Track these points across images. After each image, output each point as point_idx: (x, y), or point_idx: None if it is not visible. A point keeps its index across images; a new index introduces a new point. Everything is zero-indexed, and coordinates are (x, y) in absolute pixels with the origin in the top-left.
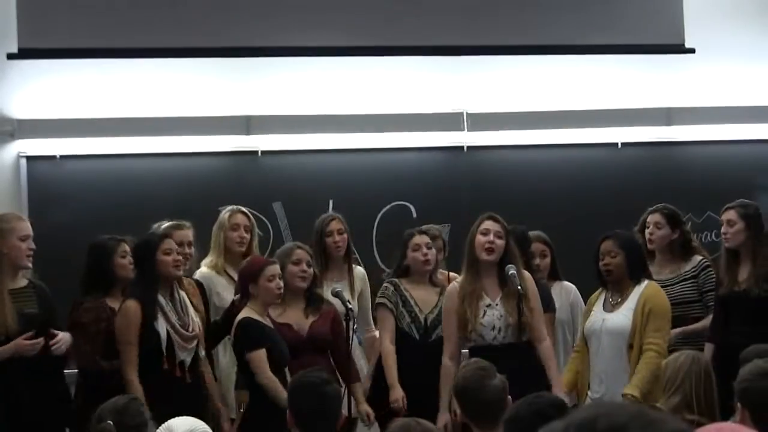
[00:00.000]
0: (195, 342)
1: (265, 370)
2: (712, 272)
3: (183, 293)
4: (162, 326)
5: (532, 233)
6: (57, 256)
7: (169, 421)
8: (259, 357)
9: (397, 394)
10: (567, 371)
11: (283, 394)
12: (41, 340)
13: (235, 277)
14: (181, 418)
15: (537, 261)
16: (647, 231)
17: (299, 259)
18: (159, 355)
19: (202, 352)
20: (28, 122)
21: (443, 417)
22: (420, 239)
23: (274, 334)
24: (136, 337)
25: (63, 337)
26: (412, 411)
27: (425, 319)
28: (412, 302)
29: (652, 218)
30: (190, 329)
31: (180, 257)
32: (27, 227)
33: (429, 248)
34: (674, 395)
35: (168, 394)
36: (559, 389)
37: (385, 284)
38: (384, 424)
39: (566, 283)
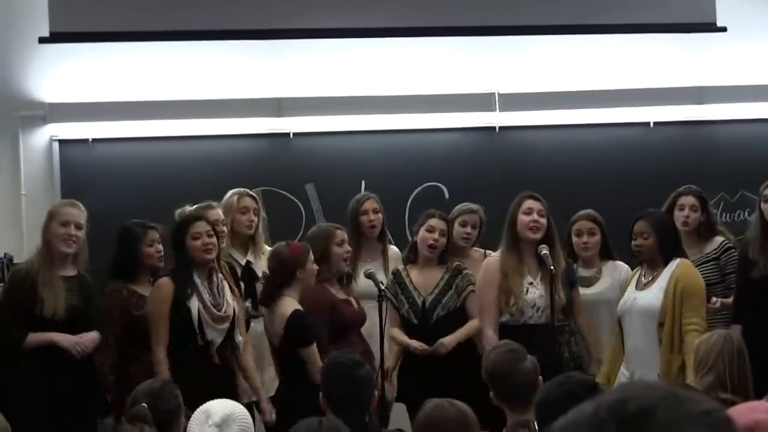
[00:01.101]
0: (226, 324)
1: (319, 364)
2: (734, 254)
3: (221, 277)
4: (194, 303)
5: (581, 212)
6: (88, 237)
7: (207, 403)
8: (315, 352)
9: (414, 344)
10: (605, 362)
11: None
12: (87, 343)
13: (242, 261)
14: (219, 401)
15: (585, 238)
16: (682, 213)
17: (342, 240)
18: (191, 332)
19: (239, 338)
20: (60, 106)
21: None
22: (436, 222)
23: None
24: (166, 312)
25: (88, 341)
26: (422, 395)
27: (423, 302)
28: (411, 287)
29: (687, 200)
30: (223, 310)
31: (210, 240)
32: (68, 212)
33: (442, 236)
34: (707, 374)
35: (194, 370)
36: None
37: (383, 278)
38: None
39: (619, 262)
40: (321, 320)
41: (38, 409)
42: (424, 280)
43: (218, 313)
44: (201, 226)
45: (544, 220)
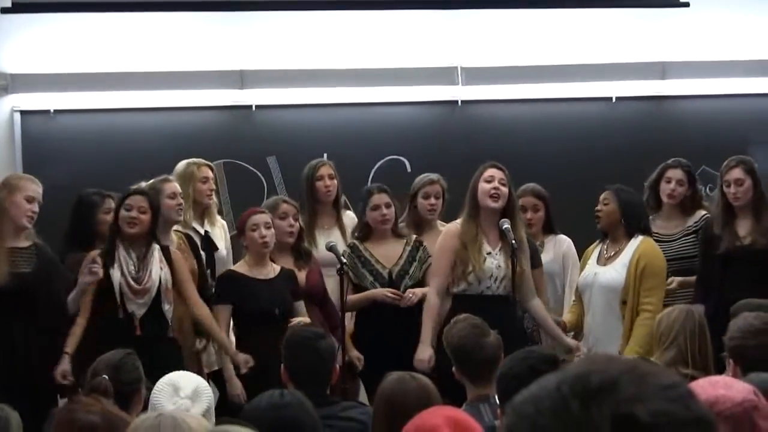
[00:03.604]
0: (146, 296)
1: (217, 326)
2: None
3: (156, 249)
4: (116, 275)
5: (525, 186)
6: (50, 209)
7: (168, 376)
8: (217, 312)
9: (383, 291)
10: (569, 313)
11: (226, 358)
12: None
13: (201, 230)
14: (180, 373)
15: (529, 215)
16: (669, 186)
17: (285, 213)
18: (114, 304)
19: (166, 306)
20: (22, 77)
21: (426, 351)
22: (378, 199)
23: (258, 288)
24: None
25: None
26: (390, 363)
27: (390, 273)
28: (373, 260)
29: (675, 174)
30: (143, 283)
31: (140, 215)
32: (35, 189)
33: (388, 207)
34: (669, 349)
35: (116, 342)
36: (562, 341)
37: (343, 249)
38: (368, 381)
39: (561, 236)
40: None
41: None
42: (385, 252)
43: (137, 286)
44: (134, 200)
45: (505, 189)
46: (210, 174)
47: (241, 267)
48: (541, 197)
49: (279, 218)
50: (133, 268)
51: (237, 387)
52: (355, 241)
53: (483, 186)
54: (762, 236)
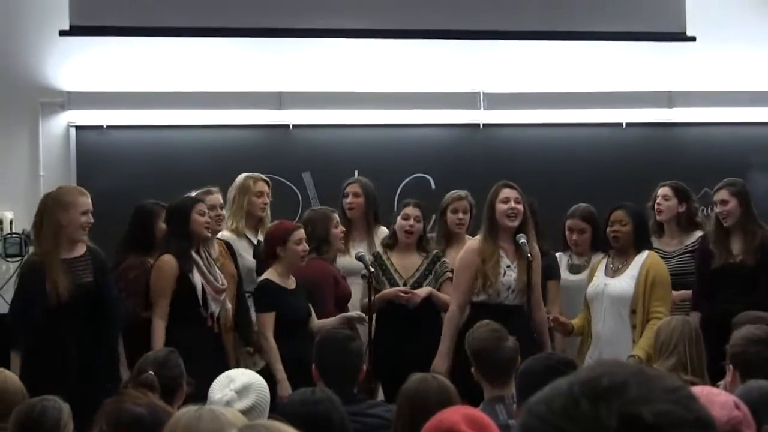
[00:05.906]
0: (223, 296)
1: (268, 332)
2: None
3: (210, 251)
4: (197, 278)
5: (576, 208)
6: (100, 217)
7: (231, 370)
8: (265, 319)
9: (393, 290)
10: (578, 318)
11: (277, 362)
12: None
13: (254, 240)
14: (242, 370)
15: (575, 237)
16: (656, 203)
17: (337, 222)
18: (195, 306)
19: (228, 305)
20: (78, 94)
21: (444, 363)
22: (410, 210)
23: (290, 298)
24: (169, 289)
25: None
26: (403, 370)
27: (405, 284)
28: (392, 270)
29: (661, 191)
30: (221, 283)
31: (209, 220)
32: (87, 202)
33: (417, 221)
34: (669, 358)
35: (201, 342)
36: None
37: (369, 256)
38: (387, 383)
39: None
40: (328, 293)
41: (51, 372)
42: (404, 264)
43: (219, 286)
44: (204, 206)
45: (520, 207)
46: (265, 188)
47: (272, 276)
48: (588, 220)
49: (334, 227)
50: (206, 270)
51: (286, 389)
52: (380, 250)
53: (500, 207)
54: (750, 255)
